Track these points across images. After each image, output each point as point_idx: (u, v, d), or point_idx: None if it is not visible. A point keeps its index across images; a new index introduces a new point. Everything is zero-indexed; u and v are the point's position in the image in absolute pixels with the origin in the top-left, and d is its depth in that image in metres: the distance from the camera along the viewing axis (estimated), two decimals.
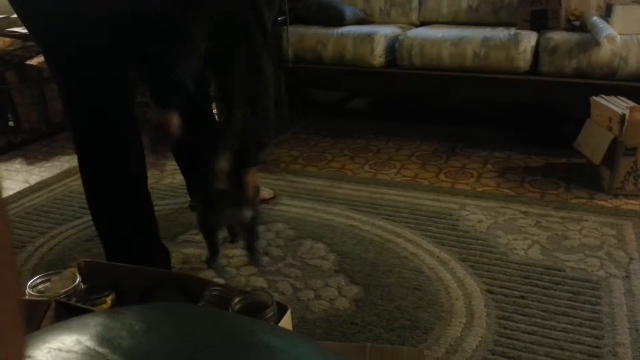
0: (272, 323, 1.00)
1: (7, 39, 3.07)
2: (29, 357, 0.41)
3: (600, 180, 2.17)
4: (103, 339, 0.41)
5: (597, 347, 1.31)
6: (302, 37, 2.98)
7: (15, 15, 3.32)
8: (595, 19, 2.51)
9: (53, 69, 1.52)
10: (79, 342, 0.41)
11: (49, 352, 0.41)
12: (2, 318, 0.29)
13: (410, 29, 3.02)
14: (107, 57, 1.44)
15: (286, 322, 1.06)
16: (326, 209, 2.05)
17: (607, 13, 2.58)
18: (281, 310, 1.07)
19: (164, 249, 1.65)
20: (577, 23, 2.68)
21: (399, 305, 1.49)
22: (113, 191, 1.53)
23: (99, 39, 1.41)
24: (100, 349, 0.40)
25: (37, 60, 2.91)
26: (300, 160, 2.58)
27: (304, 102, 3.43)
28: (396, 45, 2.82)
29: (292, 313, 1.12)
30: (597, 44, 2.42)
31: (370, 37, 2.84)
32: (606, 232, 1.84)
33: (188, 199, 2.13)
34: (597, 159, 2.12)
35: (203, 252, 1.78)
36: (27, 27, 1.52)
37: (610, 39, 2.36)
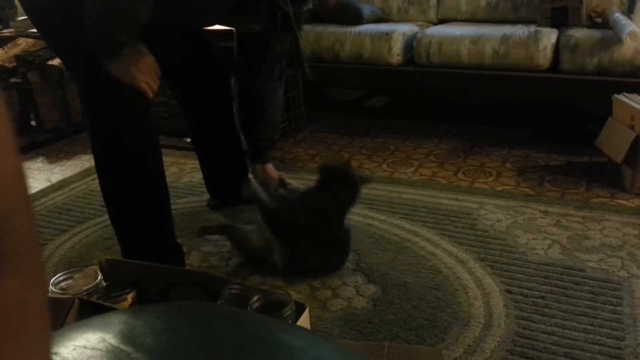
0: (290, 322, 1.01)
1: (30, 40, 3.12)
2: (55, 354, 0.42)
3: (622, 179, 2.13)
4: (126, 337, 0.42)
5: (618, 348, 1.30)
6: (319, 36, 2.98)
7: None
8: (618, 15, 2.48)
9: (70, 69, 1.56)
10: (103, 340, 0.42)
11: (74, 349, 0.42)
12: (30, 308, 0.30)
13: (428, 26, 3.01)
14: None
15: (304, 321, 1.07)
16: None
17: (629, 9, 2.54)
18: (299, 309, 1.07)
19: (179, 248, 1.67)
20: (598, 20, 2.65)
21: (416, 305, 1.48)
22: (130, 191, 1.55)
23: None
24: (124, 347, 0.41)
25: (58, 60, 2.95)
26: (318, 159, 2.59)
27: (321, 100, 3.43)
28: (414, 43, 2.81)
29: (309, 312, 1.12)
30: (619, 41, 2.38)
31: (388, 35, 2.83)
32: (628, 231, 1.81)
33: (206, 197, 2.15)
34: (618, 157, 2.09)
35: (222, 249, 1.79)
36: (40, 32, 1.55)
37: (633, 35, 2.32)
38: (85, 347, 0.41)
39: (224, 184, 2.09)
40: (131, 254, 1.57)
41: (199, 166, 2.14)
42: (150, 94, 1.48)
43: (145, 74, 1.43)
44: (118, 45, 1.38)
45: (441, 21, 3.17)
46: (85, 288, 1.13)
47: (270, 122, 1.96)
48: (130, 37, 1.40)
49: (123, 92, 1.44)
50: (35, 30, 3.31)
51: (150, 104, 1.56)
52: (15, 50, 3.05)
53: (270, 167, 2.00)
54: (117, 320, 0.46)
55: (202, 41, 1.88)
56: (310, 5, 1.74)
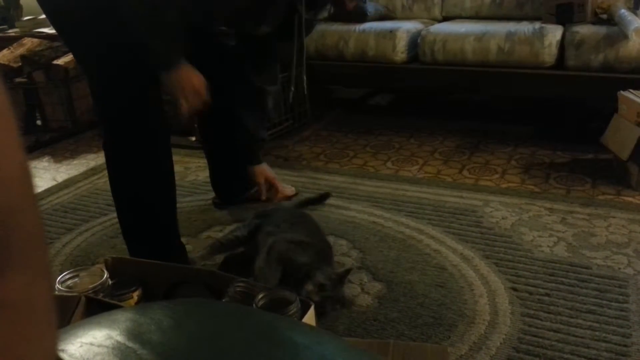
0: (295, 319, 1.01)
1: (35, 40, 3.13)
2: (62, 350, 0.42)
3: (628, 176, 2.12)
4: (133, 334, 0.42)
5: (624, 345, 1.29)
6: (323, 33, 2.98)
7: (42, 16, 3.37)
8: (623, 11, 2.46)
9: (83, 66, 1.56)
10: (110, 337, 0.42)
11: (81, 346, 0.42)
12: (36, 305, 0.30)
13: (432, 24, 3.00)
14: (136, 53, 1.46)
15: (309, 318, 1.07)
16: (349, 205, 2.05)
17: (635, 5, 2.53)
18: (304, 307, 1.07)
19: (182, 246, 1.68)
20: (604, 16, 2.63)
21: (422, 303, 1.48)
22: (140, 185, 1.56)
23: (128, 36, 1.43)
24: (130, 344, 0.41)
25: (63, 60, 2.96)
26: (323, 157, 2.59)
27: (325, 99, 3.43)
28: (419, 40, 2.81)
29: (314, 309, 1.12)
30: (625, 37, 2.37)
31: (392, 33, 2.82)
32: (634, 228, 1.81)
33: (211, 195, 2.15)
34: (624, 154, 2.08)
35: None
36: (56, 29, 1.55)
37: (639, 32, 2.31)
38: (91, 344, 0.41)
39: (231, 182, 2.09)
40: (137, 253, 1.57)
41: (204, 165, 2.14)
42: (186, 112, 1.59)
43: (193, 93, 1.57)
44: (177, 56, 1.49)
45: (445, 18, 3.16)
46: (92, 286, 1.13)
47: (262, 122, 2.01)
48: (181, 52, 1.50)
49: (134, 78, 1.46)
50: (40, 30, 3.33)
51: (161, 100, 1.56)
52: (21, 50, 3.06)
53: (265, 167, 2.04)
54: (123, 317, 0.46)
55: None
56: (326, 14, 1.75)
